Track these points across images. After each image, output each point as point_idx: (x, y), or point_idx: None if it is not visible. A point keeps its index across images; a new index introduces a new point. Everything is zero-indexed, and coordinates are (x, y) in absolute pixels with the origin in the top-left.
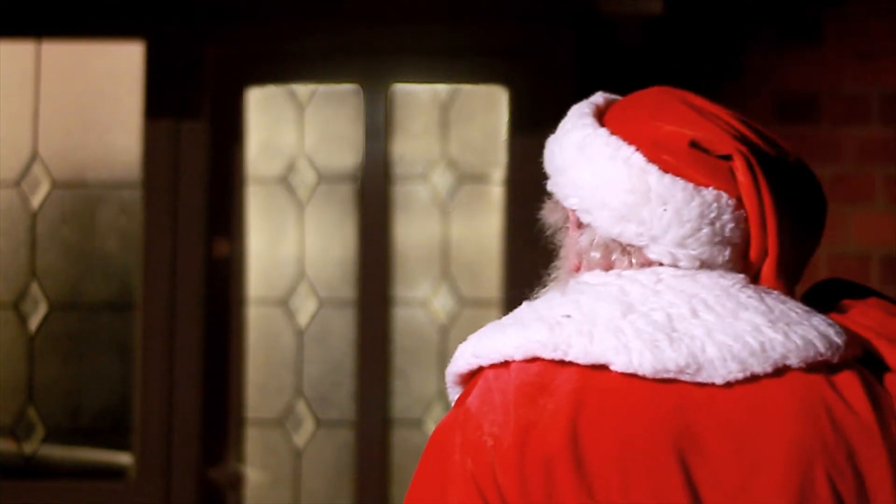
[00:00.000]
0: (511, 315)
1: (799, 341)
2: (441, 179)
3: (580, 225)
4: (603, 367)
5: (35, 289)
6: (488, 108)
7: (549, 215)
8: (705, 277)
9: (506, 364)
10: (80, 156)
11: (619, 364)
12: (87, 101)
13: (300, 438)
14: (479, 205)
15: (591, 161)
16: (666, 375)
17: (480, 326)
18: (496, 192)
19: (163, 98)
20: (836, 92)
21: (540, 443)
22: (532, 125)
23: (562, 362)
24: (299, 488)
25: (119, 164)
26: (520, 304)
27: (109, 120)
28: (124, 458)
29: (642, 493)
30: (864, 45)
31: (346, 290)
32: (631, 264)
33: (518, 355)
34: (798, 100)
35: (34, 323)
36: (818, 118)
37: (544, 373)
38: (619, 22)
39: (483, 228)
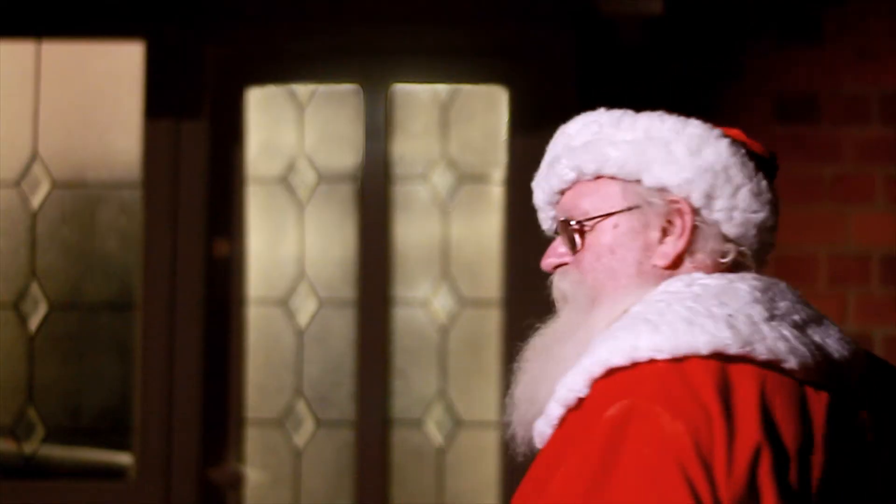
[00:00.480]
0: (652, 313)
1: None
2: (441, 179)
3: (694, 228)
4: (772, 365)
5: (35, 289)
6: (488, 108)
7: (601, 211)
8: (783, 285)
9: (680, 360)
10: (80, 156)
11: (792, 363)
12: (87, 101)
13: (300, 438)
14: (479, 205)
15: (742, 167)
16: (817, 377)
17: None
18: (496, 192)
19: (163, 98)
20: (836, 92)
21: (745, 434)
22: (532, 125)
23: (740, 358)
24: (299, 488)
25: (119, 164)
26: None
27: (109, 120)
28: (124, 458)
29: (810, 486)
30: (864, 45)
31: (346, 290)
32: (730, 265)
33: (705, 350)
34: (798, 100)
35: (34, 323)
36: (818, 118)
37: (724, 368)
38: (619, 22)
39: (483, 228)
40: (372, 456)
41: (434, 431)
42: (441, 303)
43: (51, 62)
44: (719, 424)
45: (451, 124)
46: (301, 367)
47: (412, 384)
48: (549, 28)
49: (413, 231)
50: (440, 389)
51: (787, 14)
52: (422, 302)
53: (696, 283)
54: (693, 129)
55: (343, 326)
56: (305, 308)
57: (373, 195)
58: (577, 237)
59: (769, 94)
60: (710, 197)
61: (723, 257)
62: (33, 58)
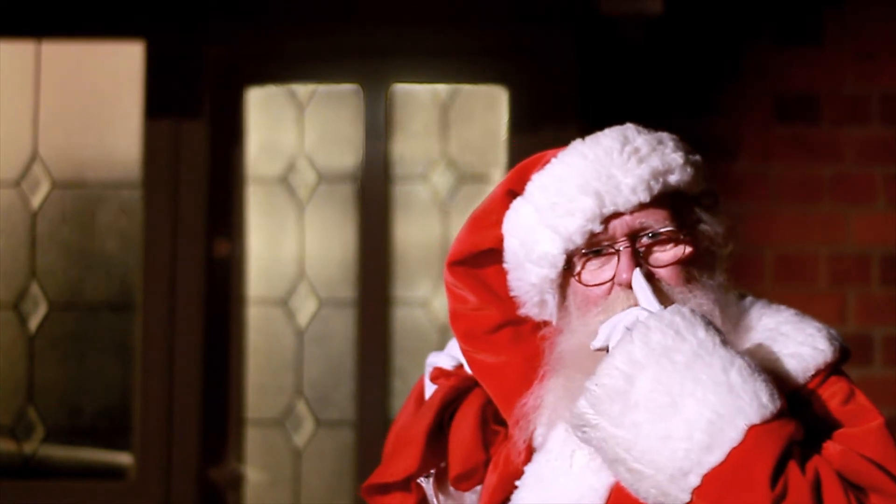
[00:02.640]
0: (808, 326)
1: None
2: (441, 179)
3: None
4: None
5: (35, 289)
6: (488, 108)
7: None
8: None
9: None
10: (80, 156)
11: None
12: (87, 101)
13: (300, 438)
14: None
15: None
16: None
17: None
18: None
19: (163, 98)
20: (836, 92)
21: None
22: (532, 125)
23: None
24: (299, 488)
25: (119, 164)
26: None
27: (109, 120)
28: (124, 458)
29: None
30: (864, 45)
31: (346, 290)
32: None
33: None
34: (798, 100)
35: (34, 323)
36: (818, 118)
37: None
38: (619, 21)
39: None
40: (372, 456)
41: None
42: (441, 303)
43: (51, 62)
44: None
45: (451, 124)
46: (301, 367)
47: (412, 384)
48: (549, 28)
49: (413, 231)
50: None
51: (786, 14)
52: (422, 302)
53: (773, 304)
54: None
55: (343, 326)
56: (305, 308)
57: (373, 195)
58: (687, 247)
59: (769, 94)
60: None
61: None
62: (33, 58)
